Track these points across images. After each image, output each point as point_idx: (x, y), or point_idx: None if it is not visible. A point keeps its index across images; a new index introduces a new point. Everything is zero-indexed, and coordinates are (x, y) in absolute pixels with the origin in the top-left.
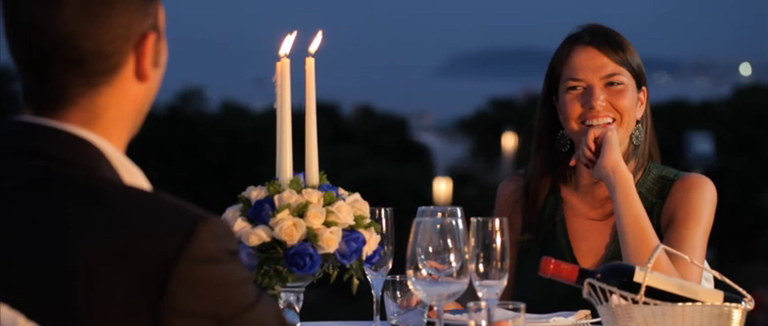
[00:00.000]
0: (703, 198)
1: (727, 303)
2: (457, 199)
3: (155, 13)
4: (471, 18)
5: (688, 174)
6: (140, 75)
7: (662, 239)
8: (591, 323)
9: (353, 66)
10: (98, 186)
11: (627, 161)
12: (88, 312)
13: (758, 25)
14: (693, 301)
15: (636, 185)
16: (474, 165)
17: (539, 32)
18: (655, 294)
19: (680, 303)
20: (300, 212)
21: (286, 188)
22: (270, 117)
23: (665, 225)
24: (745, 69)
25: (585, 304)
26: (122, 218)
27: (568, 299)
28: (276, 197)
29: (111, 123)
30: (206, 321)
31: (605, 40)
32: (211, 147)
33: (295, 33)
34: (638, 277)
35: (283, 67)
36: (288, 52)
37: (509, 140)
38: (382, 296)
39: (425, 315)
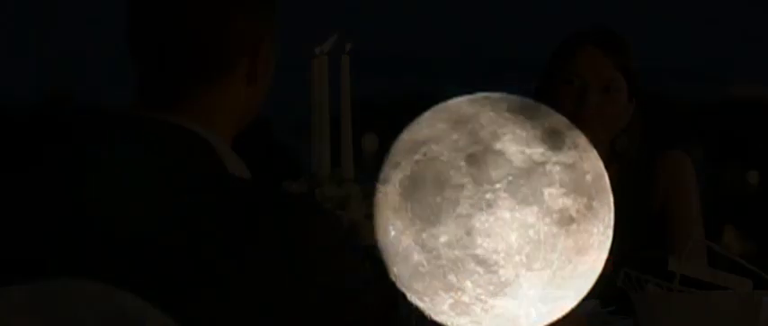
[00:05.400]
0: (691, 174)
1: (758, 291)
2: None
3: (272, 23)
4: (327, 18)
5: (667, 151)
6: (251, 78)
7: (658, 218)
8: (605, 312)
9: None
10: (218, 180)
11: (607, 164)
12: (225, 303)
13: (627, 28)
14: (725, 288)
15: (616, 176)
16: (335, 166)
17: (396, 33)
18: (688, 282)
19: (713, 291)
20: (341, 204)
21: (325, 182)
22: None
23: (661, 205)
24: None
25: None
26: (248, 208)
27: None
28: (317, 191)
29: (218, 120)
30: (325, 304)
31: (611, 43)
32: None
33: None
34: (672, 266)
35: (321, 65)
36: (325, 50)
37: (370, 141)
38: None
39: None
